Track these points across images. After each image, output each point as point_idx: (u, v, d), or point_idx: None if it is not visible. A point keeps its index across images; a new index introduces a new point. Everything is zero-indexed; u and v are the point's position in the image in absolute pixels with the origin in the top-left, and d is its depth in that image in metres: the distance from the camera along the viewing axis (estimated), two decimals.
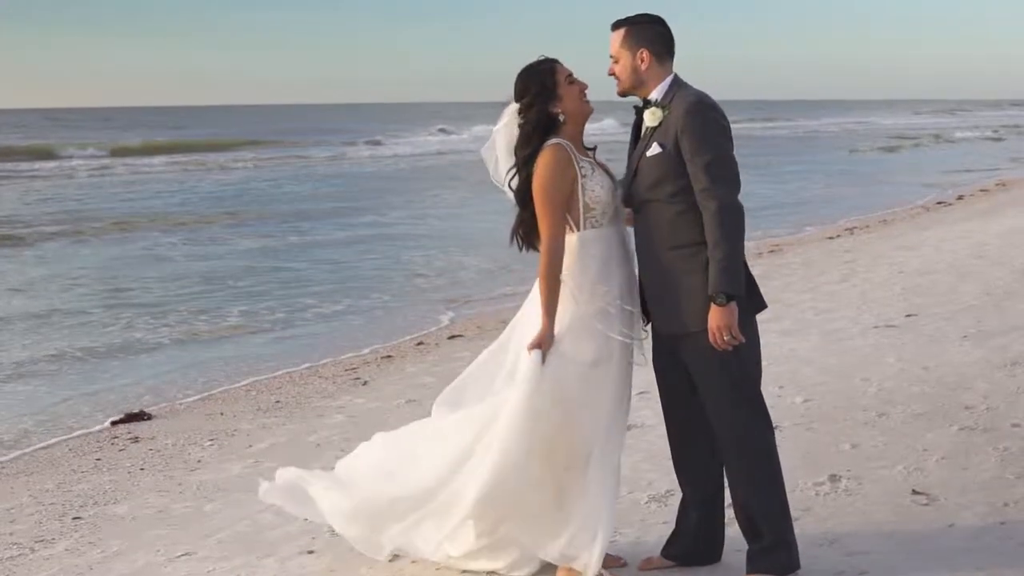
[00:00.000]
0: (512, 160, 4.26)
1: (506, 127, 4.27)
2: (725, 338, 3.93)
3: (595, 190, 4.12)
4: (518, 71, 4.23)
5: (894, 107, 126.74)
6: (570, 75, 4.20)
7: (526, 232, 4.25)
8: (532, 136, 4.16)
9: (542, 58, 4.23)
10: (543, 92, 4.15)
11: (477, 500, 4.15)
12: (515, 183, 4.25)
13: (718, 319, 3.93)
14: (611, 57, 4.17)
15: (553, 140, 4.15)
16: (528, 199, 4.17)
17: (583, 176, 4.12)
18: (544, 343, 4.09)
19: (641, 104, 4.17)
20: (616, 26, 4.18)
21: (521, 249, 4.32)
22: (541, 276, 4.11)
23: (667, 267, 4.07)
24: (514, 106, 4.24)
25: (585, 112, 4.23)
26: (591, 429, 4.15)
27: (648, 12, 4.18)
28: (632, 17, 4.17)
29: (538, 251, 4.22)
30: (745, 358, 4.07)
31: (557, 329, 4.10)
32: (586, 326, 4.11)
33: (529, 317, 4.25)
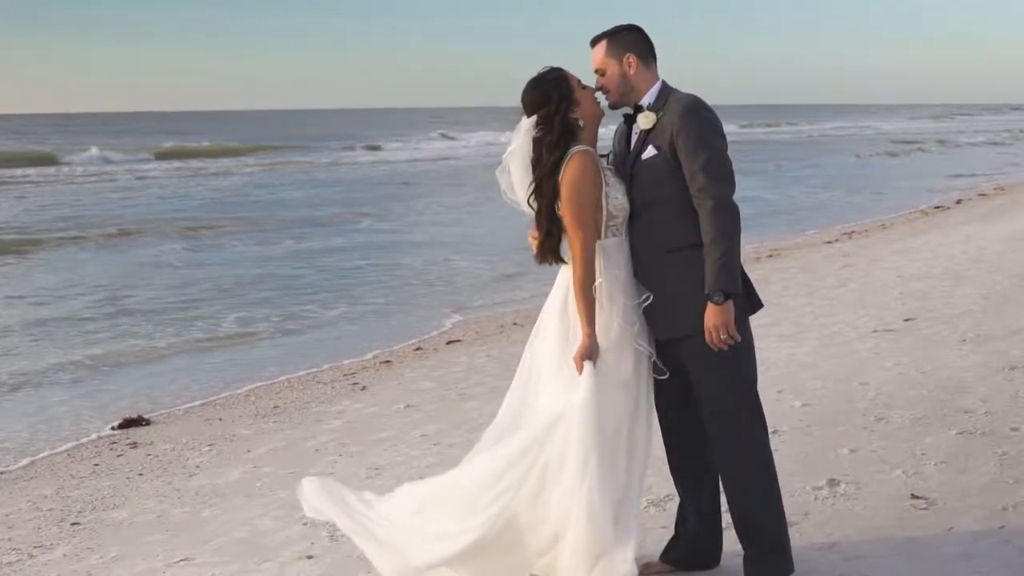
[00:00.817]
0: (530, 177, 4.14)
1: (520, 148, 4.16)
2: (722, 336, 3.93)
3: (618, 198, 4.07)
4: (527, 86, 4.13)
5: (892, 112, 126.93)
6: (579, 80, 4.16)
7: (555, 245, 4.15)
8: (557, 145, 4.06)
9: (548, 68, 4.16)
10: (563, 99, 4.07)
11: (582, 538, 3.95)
12: (537, 198, 4.12)
13: (715, 317, 3.93)
14: (596, 72, 4.16)
15: (579, 147, 4.08)
16: (556, 211, 4.09)
17: (607, 184, 4.07)
18: (592, 354, 4.00)
19: (631, 111, 4.17)
20: (596, 40, 4.18)
21: (549, 263, 4.21)
22: (577, 287, 4.02)
23: (665, 270, 4.07)
24: (528, 122, 4.13)
25: (599, 115, 4.18)
26: (632, 445, 4.10)
27: (622, 23, 4.20)
28: (609, 29, 4.19)
29: (561, 264, 4.15)
30: (743, 359, 4.07)
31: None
32: (620, 336, 4.06)
33: (549, 329, 4.16)
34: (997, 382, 6.97)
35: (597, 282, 4.04)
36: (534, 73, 4.17)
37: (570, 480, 3.96)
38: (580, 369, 3.99)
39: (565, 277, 4.15)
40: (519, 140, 4.16)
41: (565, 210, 4.04)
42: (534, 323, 4.30)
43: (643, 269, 4.13)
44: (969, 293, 10.19)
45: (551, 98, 4.08)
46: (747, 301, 4.11)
